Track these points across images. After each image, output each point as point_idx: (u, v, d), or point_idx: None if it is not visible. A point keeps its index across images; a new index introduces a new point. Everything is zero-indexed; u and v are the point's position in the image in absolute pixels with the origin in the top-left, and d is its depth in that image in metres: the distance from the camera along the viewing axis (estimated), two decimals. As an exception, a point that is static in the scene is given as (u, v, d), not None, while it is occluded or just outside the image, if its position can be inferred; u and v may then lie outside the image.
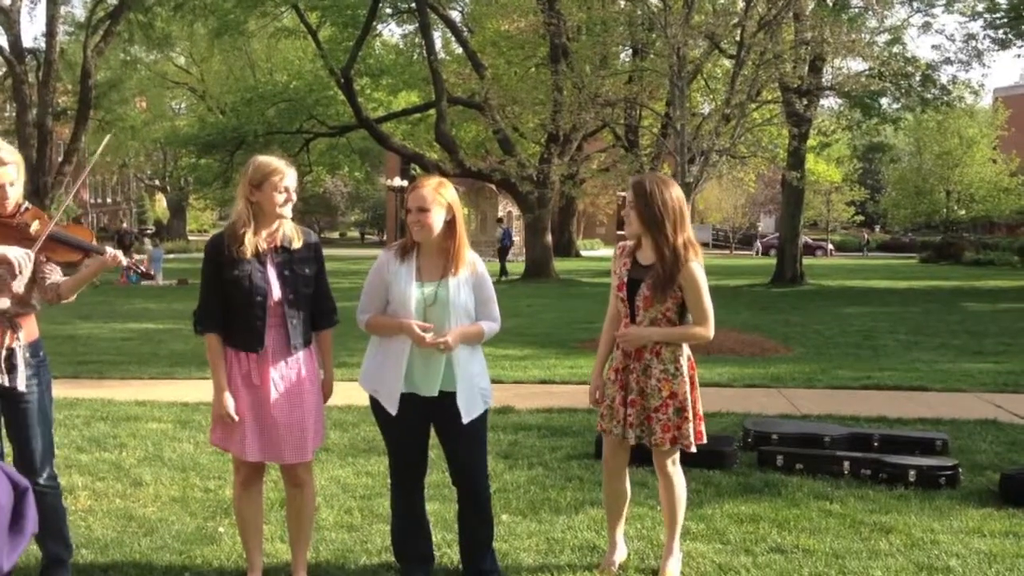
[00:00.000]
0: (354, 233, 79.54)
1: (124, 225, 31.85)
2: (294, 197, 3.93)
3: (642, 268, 4.22)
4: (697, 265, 4.14)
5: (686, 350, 4.26)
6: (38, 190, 27.61)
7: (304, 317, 3.99)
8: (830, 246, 53.74)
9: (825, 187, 43.69)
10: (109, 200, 75.11)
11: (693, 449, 4.28)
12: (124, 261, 3.84)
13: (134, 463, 6.23)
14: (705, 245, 58.57)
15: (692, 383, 4.25)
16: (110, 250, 3.82)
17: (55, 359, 10.02)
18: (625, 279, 4.25)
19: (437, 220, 3.94)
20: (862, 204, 54.91)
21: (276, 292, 3.89)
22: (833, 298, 21.78)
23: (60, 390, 8.42)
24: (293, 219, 4.02)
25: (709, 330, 4.18)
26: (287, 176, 3.89)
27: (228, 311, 3.90)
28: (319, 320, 4.08)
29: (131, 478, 5.87)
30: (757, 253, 53.91)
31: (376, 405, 4.11)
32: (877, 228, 64.27)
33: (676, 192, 4.17)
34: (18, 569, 4.16)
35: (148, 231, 54.34)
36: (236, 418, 3.89)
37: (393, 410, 4.00)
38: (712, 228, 59.98)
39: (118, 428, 7.20)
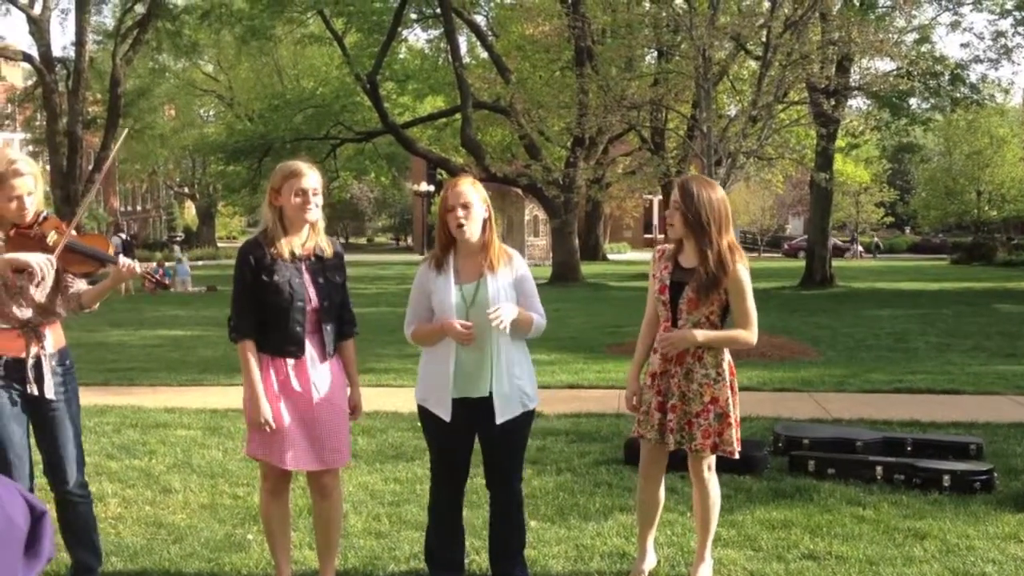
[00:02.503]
0: (382, 238, 79.73)
1: (122, 234, 31.72)
2: (314, 200, 3.86)
3: (684, 271, 4.16)
4: (743, 268, 4.09)
5: (727, 355, 4.21)
6: (68, 197, 27.85)
7: (335, 325, 3.98)
8: (859, 248, 53.30)
9: (854, 188, 43.32)
10: (139, 208, 75.78)
11: (736, 455, 4.23)
12: (139, 270, 3.84)
13: (163, 470, 6.25)
14: (736, 246, 58.25)
15: (733, 389, 4.20)
16: (124, 260, 3.81)
17: (85, 366, 10.13)
18: (667, 282, 4.19)
19: (479, 216, 3.93)
20: (892, 205, 54.41)
21: (314, 299, 3.88)
22: (863, 300, 21.58)
23: (90, 397, 8.49)
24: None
25: (753, 334, 4.13)
26: (306, 178, 3.84)
27: (265, 317, 3.88)
28: (342, 329, 4.06)
29: (160, 485, 5.89)
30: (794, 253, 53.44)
31: (424, 413, 4.08)
32: (907, 229, 63.69)
33: (720, 194, 4.13)
34: (48, 577, 4.18)
35: (177, 238, 54.73)
36: (274, 425, 3.86)
37: (447, 416, 3.97)
38: (739, 231, 59.68)
39: (148, 435, 7.24)
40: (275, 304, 3.84)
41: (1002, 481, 5.76)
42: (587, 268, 31.40)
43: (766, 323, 15.56)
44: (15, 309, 3.74)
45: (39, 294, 3.79)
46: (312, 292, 3.89)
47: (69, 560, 4.11)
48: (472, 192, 3.94)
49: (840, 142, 25.84)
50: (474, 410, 3.98)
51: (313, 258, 3.92)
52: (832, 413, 7.95)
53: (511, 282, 4.02)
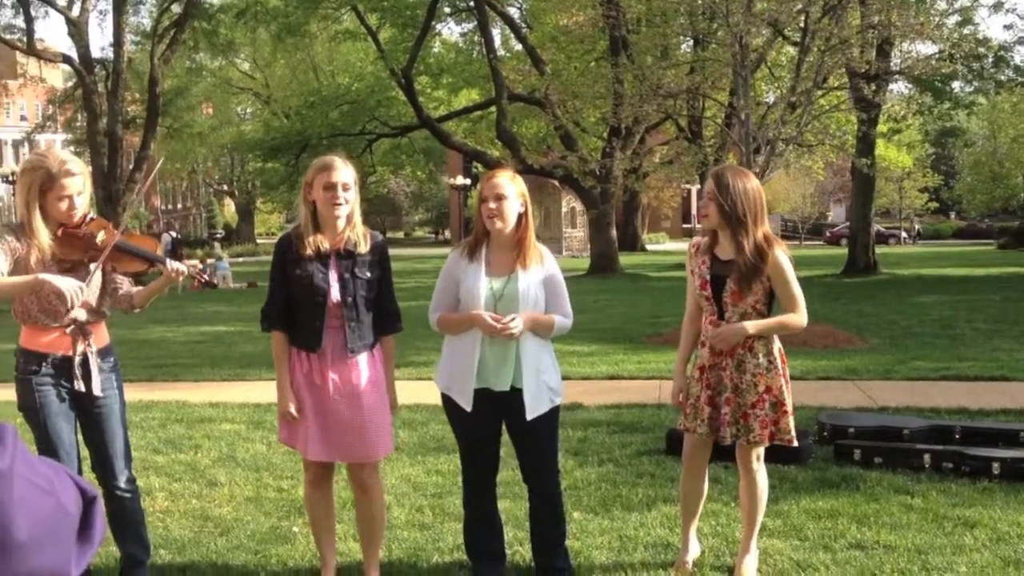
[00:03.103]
0: (420, 232, 79.97)
1: (172, 232, 31.85)
2: (344, 196, 3.86)
3: (723, 263, 4.11)
4: (781, 253, 4.05)
5: (777, 342, 4.17)
6: (110, 197, 28.20)
7: (365, 321, 3.96)
8: (904, 234, 52.64)
9: (897, 174, 42.76)
10: (180, 206, 76.61)
11: (795, 443, 4.19)
12: (186, 271, 3.86)
13: (209, 464, 6.31)
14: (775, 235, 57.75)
15: (785, 376, 4.16)
16: (172, 263, 3.84)
17: (131, 363, 10.26)
18: (708, 277, 4.14)
19: (513, 209, 3.92)
20: (936, 190, 53.66)
21: (335, 294, 3.89)
22: (908, 287, 21.32)
23: (136, 393, 8.60)
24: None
25: (803, 316, 4.11)
26: (336, 172, 3.84)
27: (292, 310, 3.92)
28: (383, 325, 4.06)
29: (206, 479, 5.95)
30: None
31: (448, 403, 4.09)
32: (952, 215, 62.78)
33: (755, 184, 4.08)
34: (98, 570, 4.23)
35: (217, 235, 55.25)
36: (296, 416, 3.91)
37: (468, 406, 3.97)
38: (781, 218, 59.17)
39: (193, 430, 7.31)
40: (297, 297, 3.90)
41: (1054, 468, 5.65)
42: (625, 259, 31.28)
43: (808, 312, 15.35)
44: (67, 310, 3.78)
45: (92, 297, 3.83)
46: (335, 287, 3.89)
47: (118, 554, 4.16)
48: (509, 185, 3.92)
49: (882, 127, 25.51)
50: (497, 403, 3.98)
51: (343, 252, 3.92)
52: (878, 401, 7.85)
53: (541, 280, 4.00)
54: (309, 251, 3.87)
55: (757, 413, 4.08)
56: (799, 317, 4.09)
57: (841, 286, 22.12)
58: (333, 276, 3.89)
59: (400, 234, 77.67)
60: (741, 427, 4.12)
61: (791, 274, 4.07)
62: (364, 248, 3.95)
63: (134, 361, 10.71)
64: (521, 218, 3.96)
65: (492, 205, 3.90)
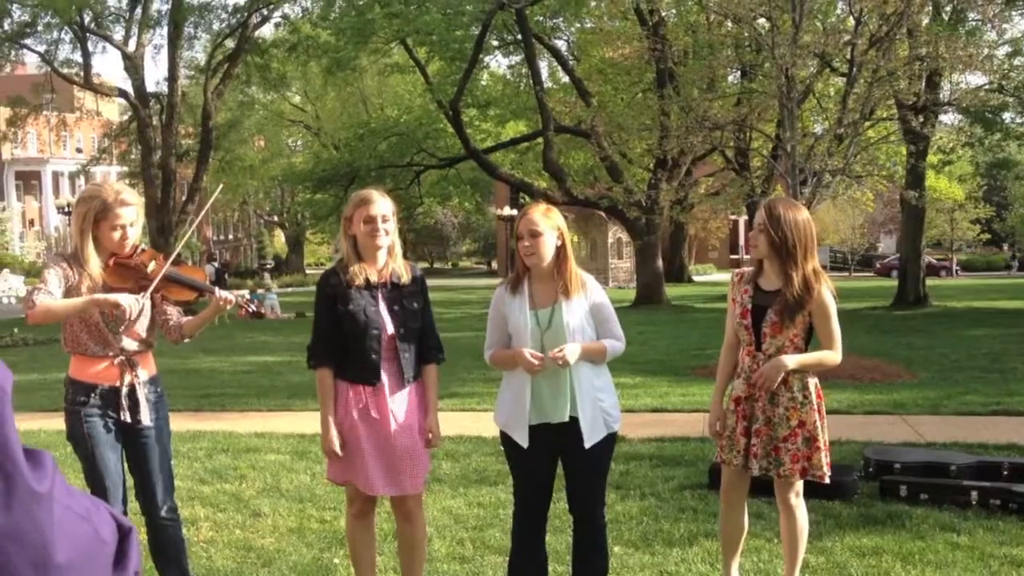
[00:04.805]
0: (467, 263, 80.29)
1: (215, 262, 32.05)
2: (384, 228, 3.92)
3: (766, 294, 4.12)
4: (827, 291, 4.05)
5: (814, 378, 4.16)
6: (163, 228, 28.70)
7: (414, 350, 4.02)
8: (955, 266, 51.87)
9: (948, 205, 42.20)
10: (231, 236, 77.68)
11: (827, 480, 4.16)
12: (234, 300, 3.94)
13: (253, 494, 6.38)
14: (823, 267, 57.20)
15: (820, 412, 4.14)
16: (221, 292, 3.93)
17: (179, 392, 10.41)
18: (749, 306, 4.15)
19: (549, 244, 3.95)
20: (988, 222, 52.85)
21: (390, 327, 3.94)
22: (959, 320, 20.98)
23: (183, 423, 8.73)
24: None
25: (839, 355, 4.13)
26: (375, 205, 3.91)
27: (343, 345, 3.96)
28: (425, 355, 4.11)
29: (250, 509, 6.02)
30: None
31: (506, 439, 4.10)
32: (1005, 247, 61.75)
33: (805, 216, 4.09)
34: (143, 599, 4.30)
35: (267, 266, 55.88)
36: (340, 454, 3.94)
37: (524, 443, 3.99)
38: (830, 249, 58.61)
39: (238, 460, 7.40)
40: (351, 332, 3.92)
41: (1106, 507, 5.54)
42: (672, 290, 31.16)
43: (856, 344, 15.24)
44: (117, 339, 3.88)
45: (141, 328, 3.94)
46: (387, 319, 3.94)
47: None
48: (542, 221, 3.96)
49: (932, 158, 25.23)
50: (556, 435, 3.99)
51: (389, 285, 3.98)
52: (925, 437, 7.75)
53: (587, 308, 4.02)
54: (358, 282, 3.93)
55: (788, 447, 4.07)
56: (835, 354, 4.10)
57: (891, 319, 21.83)
58: (383, 308, 3.95)
59: (447, 265, 78.06)
60: (772, 460, 4.10)
61: (834, 312, 4.08)
62: (407, 279, 4.01)
63: (182, 391, 10.87)
64: (559, 251, 4.01)
65: (527, 243, 3.95)
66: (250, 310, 4.11)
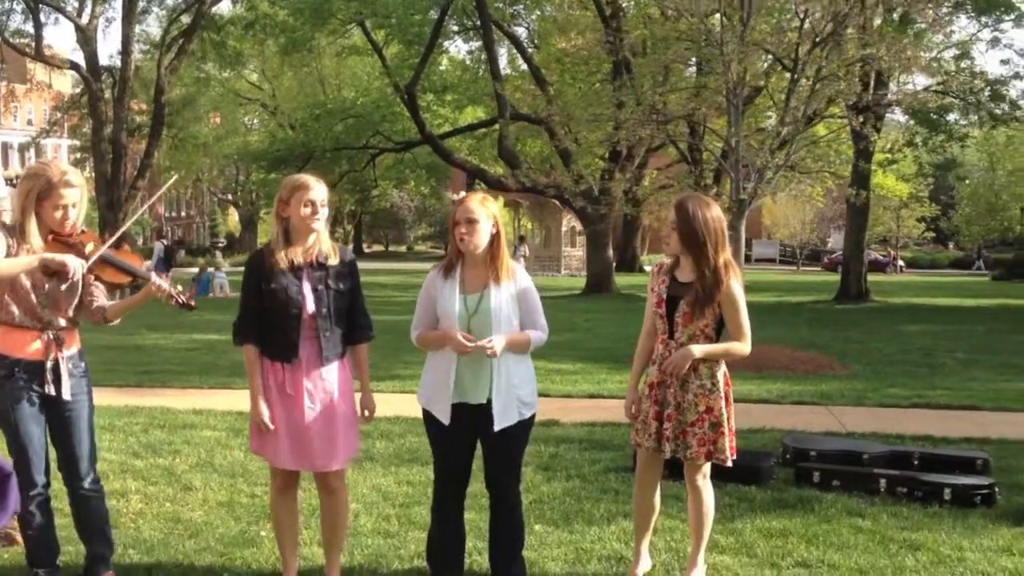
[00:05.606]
0: (422, 247, 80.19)
1: (164, 240, 31.34)
2: (322, 211, 4.08)
3: (681, 285, 4.32)
4: (736, 283, 4.24)
5: (723, 366, 4.36)
6: (112, 203, 28.40)
7: (337, 330, 4.15)
8: (900, 262, 52.74)
9: (894, 203, 42.86)
10: (183, 214, 76.90)
11: (730, 463, 4.36)
12: (167, 289, 4.01)
13: (186, 469, 6.48)
14: (772, 261, 57.96)
15: (727, 399, 4.34)
16: (155, 279, 4.00)
17: (121, 368, 10.43)
18: (664, 296, 4.35)
19: (484, 232, 4.11)
20: (934, 220, 53.77)
21: (310, 305, 4.06)
22: (897, 315, 21.44)
23: (123, 398, 8.79)
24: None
25: (747, 346, 4.32)
26: (313, 190, 4.05)
27: (265, 323, 4.09)
28: (354, 334, 4.24)
29: (182, 483, 6.12)
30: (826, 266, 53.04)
31: (428, 417, 4.26)
32: (951, 245, 62.89)
33: (716, 213, 4.28)
34: (65, 568, 4.38)
35: (219, 244, 55.44)
36: (271, 426, 4.07)
37: (445, 420, 4.15)
38: (780, 244, 59.34)
39: (174, 435, 7.47)
40: (272, 310, 4.06)
41: (1005, 496, 5.81)
42: (623, 279, 31.42)
43: (795, 337, 15.57)
44: (44, 313, 3.96)
45: (69, 306, 4.01)
46: (309, 298, 4.07)
47: (85, 551, 4.32)
48: (478, 208, 4.11)
49: (879, 156, 25.64)
50: (474, 416, 4.15)
51: (315, 264, 4.11)
52: (847, 426, 8.02)
53: (513, 295, 4.18)
54: (283, 264, 4.05)
55: (696, 431, 4.27)
56: (743, 346, 4.30)
57: (832, 313, 22.25)
58: (307, 288, 4.07)
59: (403, 248, 77.91)
60: (680, 443, 4.30)
61: (742, 304, 4.27)
62: (334, 260, 4.14)
63: (124, 366, 10.86)
64: (494, 238, 4.15)
65: (463, 230, 4.10)
66: (180, 300, 4.08)
